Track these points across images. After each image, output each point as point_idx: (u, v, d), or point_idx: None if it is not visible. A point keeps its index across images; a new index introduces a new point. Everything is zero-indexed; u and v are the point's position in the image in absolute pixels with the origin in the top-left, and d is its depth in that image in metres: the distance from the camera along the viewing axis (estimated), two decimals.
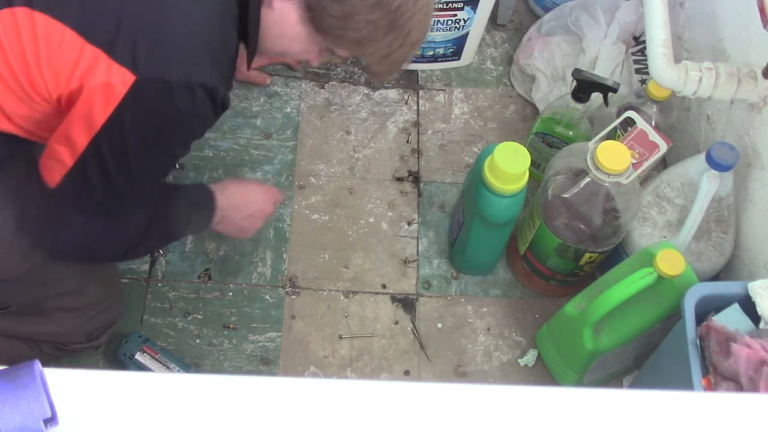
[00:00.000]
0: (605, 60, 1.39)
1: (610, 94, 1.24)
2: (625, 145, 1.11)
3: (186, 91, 0.84)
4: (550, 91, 1.47)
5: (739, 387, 0.90)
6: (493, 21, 1.60)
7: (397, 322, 1.33)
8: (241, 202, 1.19)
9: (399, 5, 0.91)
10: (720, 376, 0.92)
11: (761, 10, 1.02)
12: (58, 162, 0.89)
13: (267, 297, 1.34)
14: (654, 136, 1.14)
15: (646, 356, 1.17)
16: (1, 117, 0.87)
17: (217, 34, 0.86)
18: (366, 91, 1.55)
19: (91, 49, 0.81)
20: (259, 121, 1.49)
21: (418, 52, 1.52)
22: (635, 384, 1.24)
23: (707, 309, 0.96)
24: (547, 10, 1.56)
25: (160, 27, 0.82)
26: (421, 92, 1.56)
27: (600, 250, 1.21)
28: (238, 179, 1.27)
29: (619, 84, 1.23)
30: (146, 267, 1.35)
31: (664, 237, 1.19)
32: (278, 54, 1.05)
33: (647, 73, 1.21)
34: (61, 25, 0.80)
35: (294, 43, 0.96)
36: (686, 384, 0.93)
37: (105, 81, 0.81)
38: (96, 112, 0.83)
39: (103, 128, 0.84)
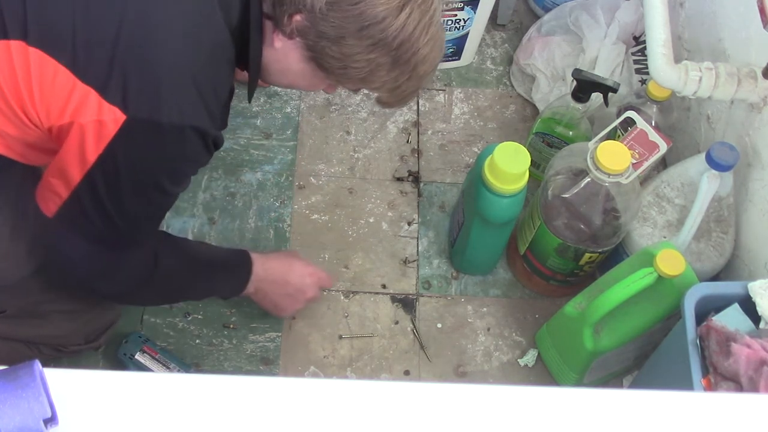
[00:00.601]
0: (605, 60, 1.39)
1: (610, 94, 1.24)
2: (625, 145, 1.11)
3: (176, 133, 0.84)
4: (550, 91, 1.47)
5: (739, 387, 0.90)
6: (493, 21, 1.60)
7: (397, 322, 1.33)
8: (280, 279, 1.19)
9: (400, 43, 0.90)
10: (720, 376, 0.92)
11: (761, 10, 1.02)
12: (54, 193, 0.89)
13: None
14: (654, 136, 1.14)
15: (646, 356, 1.17)
16: None
17: (209, 77, 0.86)
18: (366, 91, 1.55)
19: (83, 87, 0.81)
20: (259, 121, 1.49)
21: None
22: (635, 384, 1.24)
23: (707, 309, 0.96)
24: (547, 10, 1.56)
25: (151, 68, 0.82)
26: (421, 92, 1.56)
27: (600, 250, 1.21)
28: (289, 253, 1.27)
29: (619, 84, 1.23)
30: None
31: (664, 237, 1.19)
32: (285, 87, 1.04)
33: (647, 73, 1.21)
34: (55, 62, 0.80)
35: (299, 79, 0.97)
36: (686, 384, 0.93)
37: (96, 119, 0.81)
38: (88, 148, 0.83)
39: (95, 164, 0.84)
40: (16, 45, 0.80)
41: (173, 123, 0.83)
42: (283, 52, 0.93)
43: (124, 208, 0.90)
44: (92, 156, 0.84)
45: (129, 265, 0.99)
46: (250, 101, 1.04)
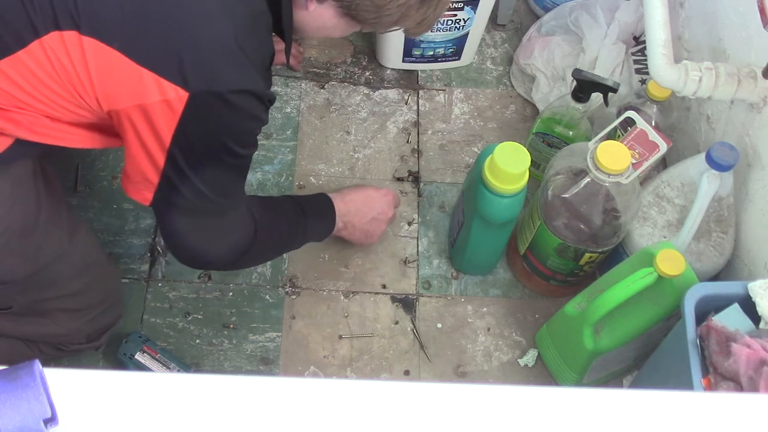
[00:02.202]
0: (605, 60, 1.39)
1: (610, 94, 1.24)
2: (625, 145, 1.11)
3: (236, 99, 0.88)
4: (550, 91, 1.47)
5: (739, 387, 0.89)
6: (493, 21, 1.60)
7: (397, 322, 1.33)
8: (361, 207, 1.27)
9: None
10: (720, 376, 0.92)
11: (761, 10, 1.02)
12: (146, 181, 0.93)
13: (267, 297, 1.34)
14: (654, 136, 1.14)
15: (646, 356, 1.17)
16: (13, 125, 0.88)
17: (254, 44, 0.91)
18: (366, 91, 1.55)
19: (141, 70, 0.83)
20: None
21: (419, 52, 1.52)
22: (635, 384, 1.24)
23: (707, 309, 0.96)
24: (547, 10, 1.56)
25: (202, 43, 0.85)
26: (421, 92, 1.56)
27: (600, 250, 1.21)
28: (357, 186, 1.32)
29: (619, 84, 1.23)
30: (146, 267, 1.35)
31: (664, 237, 1.19)
32: (321, 39, 1.06)
33: (647, 73, 1.21)
34: (110, 49, 0.83)
35: (334, 32, 1.02)
36: (686, 384, 0.93)
37: (161, 99, 0.84)
38: (161, 129, 0.87)
39: (172, 143, 0.88)
40: (69, 35, 0.82)
41: (232, 90, 0.87)
42: (317, 13, 0.97)
43: (207, 179, 0.94)
44: (167, 136, 0.87)
45: (233, 229, 1.05)
46: (288, 64, 1.11)
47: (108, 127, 0.93)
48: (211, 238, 1.03)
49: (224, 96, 0.87)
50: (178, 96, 0.84)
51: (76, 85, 0.85)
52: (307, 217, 1.18)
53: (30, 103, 0.86)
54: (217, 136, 0.90)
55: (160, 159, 0.90)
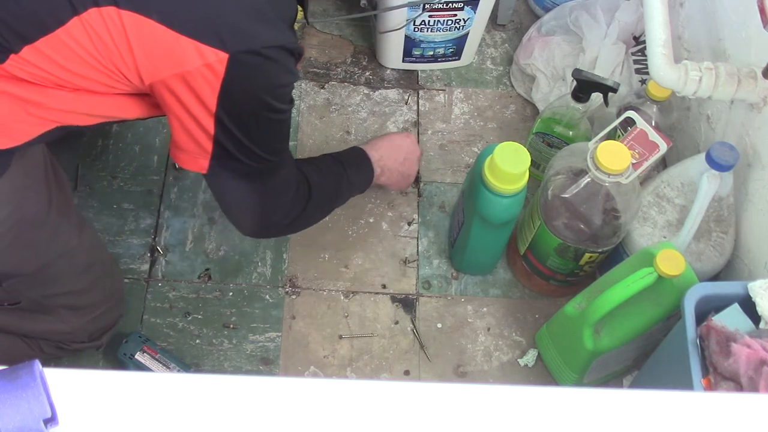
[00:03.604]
0: (605, 60, 1.39)
1: (610, 94, 1.24)
2: (625, 145, 1.11)
3: (273, 54, 0.91)
4: (550, 91, 1.47)
5: (739, 387, 0.89)
6: (493, 21, 1.60)
7: (397, 322, 1.33)
8: (392, 151, 1.32)
9: None
10: (720, 376, 0.92)
11: (761, 10, 1.02)
12: (199, 149, 0.96)
13: (267, 297, 1.34)
14: (654, 136, 1.14)
15: (646, 356, 1.17)
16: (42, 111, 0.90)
17: (279, 4, 0.94)
18: (366, 91, 1.55)
19: (181, 38, 0.85)
20: None
21: (419, 52, 1.52)
22: (635, 384, 1.24)
23: (707, 309, 0.96)
24: (547, 10, 1.56)
25: (233, 5, 0.88)
26: (421, 92, 1.56)
27: (600, 250, 1.21)
28: (378, 136, 1.36)
29: (619, 84, 1.23)
30: (146, 267, 1.35)
31: (664, 237, 1.19)
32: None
33: (647, 73, 1.21)
34: (149, 20, 0.84)
35: None
36: (686, 384, 0.93)
37: (203, 63, 0.86)
38: (205, 95, 0.89)
39: (218, 107, 0.90)
40: (107, 11, 0.83)
41: (267, 46, 0.90)
42: None
43: (256, 138, 0.97)
44: (212, 100, 0.90)
45: (288, 188, 1.09)
46: (308, 22, 1.15)
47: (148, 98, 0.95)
48: (269, 198, 1.07)
49: (261, 53, 0.89)
50: (218, 58, 0.86)
51: (117, 61, 0.86)
52: (348, 168, 1.22)
53: (70, 80, 0.87)
54: (258, 93, 0.93)
55: (210, 125, 0.92)
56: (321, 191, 1.16)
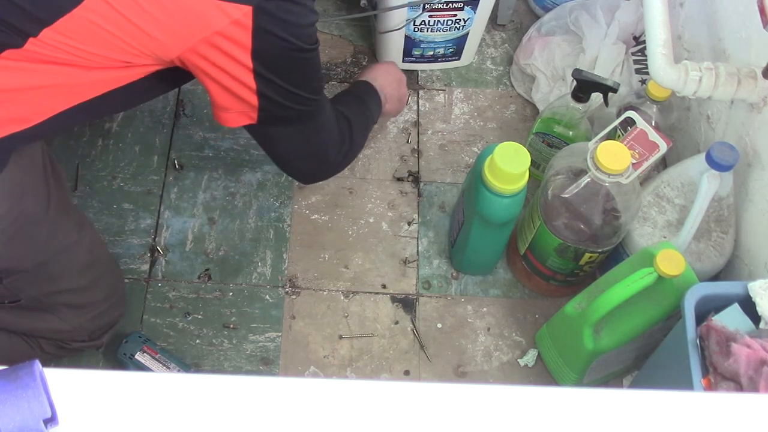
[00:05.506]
0: (605, 60, 1.39)
1: (610, 94, 1.24)
2: (625, 145, 1.11)
3: None
4: (550, 91, 1.47)
5: (739, 387, 0.89)
6: (493, 21, 1.60)
7: (397, 322, 1.33)
8: (387, 78, 1.37)
9: None
10: (720, 376, 0.92)
11: (761, 10, 1.02)
12: (246, 106, 0.98)
13: (267, 297, 1.34)
14: (654, 136, 1.14)
15: (646, 356, 1.17)
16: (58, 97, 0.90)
17: None
18: None
19: (201, 0, 0.85)
20: None
21: (419, 52, 1.52)
22: (635, 384, 1.24)
23: (707, 309, 0.96)
24: (547, 10, 1.56)
25: None
26: (421, 92, 1.56)
27: (600, 250, 1.21)
28: (364, 69, 1.42)
29: (619, 84, 1.23)
30: (146, 267, 1.35)
31: (664, 237, 1.19)
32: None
33: (647, 73, 1.21)
34: None
35: None
36: (686, 384, 0.93)
37: (230, 21, 0.87)
38: (238, 52, 0.90)
39: (254, 60, 0.91)
40: None
41: None
42: None
43: (296, 81, 0.98)
44: (247, 56, 0.90)
45: (334, 124, 1.13)
46: None
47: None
48: (321, 138, 1.10)
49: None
50: (243, 13, 0.86)
51: (138, 36, 0.86)
52: (368, 100, 1.28)
53: (88, 58, 0.87)
54: (288, 37, 0.93)
55: (251, 81, 0.93)
56: (356, 121, 1.20)
